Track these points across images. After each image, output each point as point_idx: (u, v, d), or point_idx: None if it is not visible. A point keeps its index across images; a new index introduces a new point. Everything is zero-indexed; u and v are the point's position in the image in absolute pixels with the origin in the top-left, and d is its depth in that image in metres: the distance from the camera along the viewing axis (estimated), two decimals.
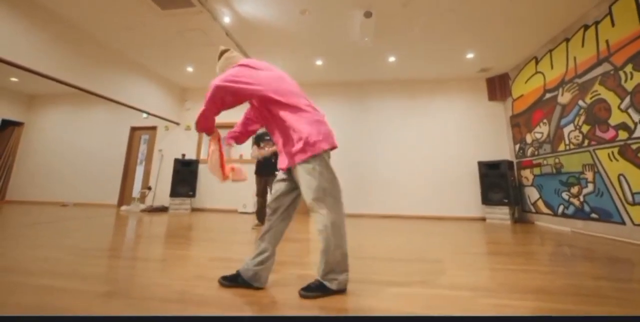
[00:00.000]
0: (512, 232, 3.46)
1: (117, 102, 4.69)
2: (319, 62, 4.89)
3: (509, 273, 1.73)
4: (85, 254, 2.06)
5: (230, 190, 5.58)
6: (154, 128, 6.30)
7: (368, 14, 3.46)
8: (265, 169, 3.48)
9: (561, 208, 3.76)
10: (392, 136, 5.44)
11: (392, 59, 4.71)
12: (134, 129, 6.48)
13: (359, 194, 5.28)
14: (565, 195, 3.69)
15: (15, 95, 6.96)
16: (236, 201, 5.48)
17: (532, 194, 4.39)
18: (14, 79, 6.26)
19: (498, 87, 5.19)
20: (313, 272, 1.60)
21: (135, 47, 4.58)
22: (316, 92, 5.77)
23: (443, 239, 3.00)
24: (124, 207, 5.40)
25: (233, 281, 1.39)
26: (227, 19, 3.62)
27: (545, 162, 4.10)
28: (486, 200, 4.57)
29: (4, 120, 6.76)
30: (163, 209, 5.43)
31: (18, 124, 7.02)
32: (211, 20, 3.71)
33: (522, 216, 4.62)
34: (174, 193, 5.17)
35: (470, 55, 4.58)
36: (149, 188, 5.72)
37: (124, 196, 6.14)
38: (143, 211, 5.20)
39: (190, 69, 5.37)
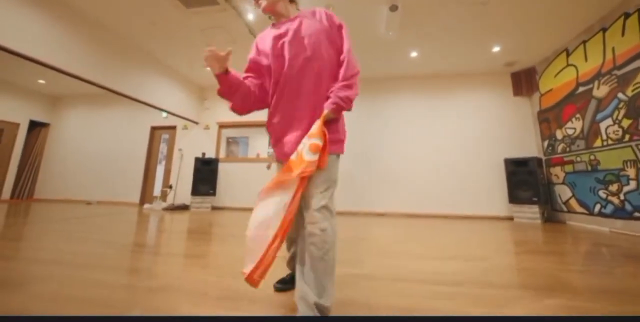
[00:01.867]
0: (546, 232, 3.32)
1: (138, 101, 4.75)
2: None
3: (564, 273, 1.63)
4: (125, 248, 2.09)
5: (249, 188, 5.59)
6: (173, 127, 6.38)
7: (394, 8, 3.38)
8: None
9: (598, 207, 3.58)
10: (412, 133, 5.32)
11: (414, 54, 4.61)
12: (154, 129, 6.57)
13: (379, 192, 5.20)
14: (602, 193, 3.51)
15: (42, 97, 7.18)
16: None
17: (564, 192, 4.20)
18: (41, 81, 6.45)
19: (524, 81, 5.00)
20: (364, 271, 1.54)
21: (157, 46, 4.63)
22: None
23: (477, 237, 2.89)
24: (146, 205, 5.49)
25: (290, 283, 1.33)
26: (250, 16, 3.61)
27: (578, 158, 3.92)
28: (514, 198, 4.41)
29: (31, 122, 6.98)
30: (184, 207, 5.49)
31: (44, 125, 7.25)
32: (233, 18, 3.71)
33: (552, 215, 4.44)
34: (195, 191, 5.21)
35: (496, 49, 4.43)
36: (170, 187, 5.78)
37: (146, 195, 6.24)
38: (165, 209, 5.26)
39: (209, 68, 5.39)
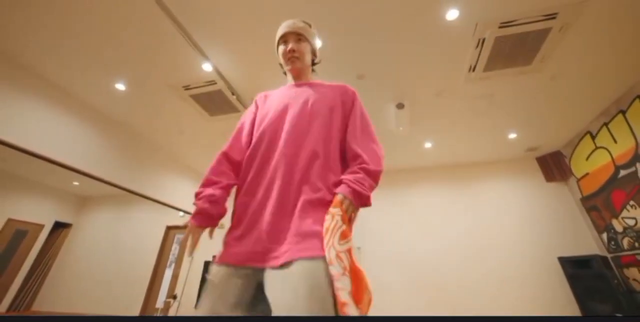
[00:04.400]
0: None
1: (159, 202, 4.79)
2: None
3: None
4: None
5: None
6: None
7: (400, 106, 3.48)
8: None
9: None
10: (442, 228, 4.74)
11: (428, 145, 4.56)
12: (169, 228, 6.43)
13: (412, 302, 4.30)
14: None
15: (73, 198, 7.51)
16: None
17: None
18: (75, 183, 6.83)
19: (553, 166, 4.66)
20: None
21: (181, 149, 4.94)
22: None
23: None
24: None
25: None
26: None
27: None
28: (589, 314, 3.43)
29: (56, 222, 7.10)
30: None
31: (66, 226, 7.34)
32: None
33: None
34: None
35: (512, 136, 4.30)
36: (174, 297, 5.18)
37: (148, 306, 5.58)
38: None
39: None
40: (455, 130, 4.16)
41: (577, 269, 3.67)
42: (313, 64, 1.16)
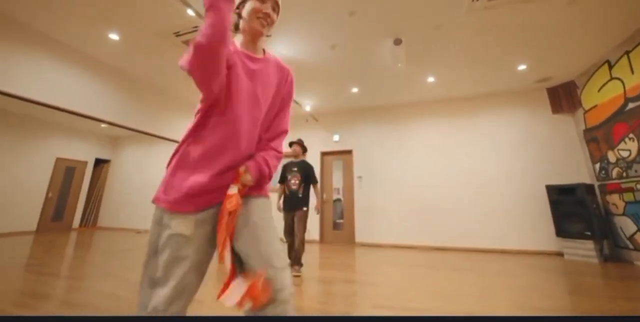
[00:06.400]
0: (606, 277, 2.80)
1: (174, 141, 5.29)
2: (354, 90, 4.86)
3: None
4: None
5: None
6: None
7: (398, 41, 3.37)
8: (291, 203, 3.15)
9: None
10: (439, 160, 5.02)
11: (431, 79, 4.47)
12: None
13: (405, 224, 4.91)
14: None
15: (105, 138, 8.31)
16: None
17: (626, 225, 3.56)
18: (103, 125, 7.48)
19: (563, 97, 4.50)
20: None
21: (188, 93, 5.16)
22: (353, 118, 5.73)
23: (510, 283, 2.54)
24: None
25: None
26: None
27: (639, 186, 3.33)
28: (562, 231, 3.84)
29: (96, 159, 8.06)
30: None
31: (106, 162, 8.32)
32: None
33: (616, 252, 3.74)
34: None
35: (522, 67, 4.10)
36: None
37: None
38: None
39: None
40: (460, 63, 4.00)
41: (560, 196, 3.95)
42: None
